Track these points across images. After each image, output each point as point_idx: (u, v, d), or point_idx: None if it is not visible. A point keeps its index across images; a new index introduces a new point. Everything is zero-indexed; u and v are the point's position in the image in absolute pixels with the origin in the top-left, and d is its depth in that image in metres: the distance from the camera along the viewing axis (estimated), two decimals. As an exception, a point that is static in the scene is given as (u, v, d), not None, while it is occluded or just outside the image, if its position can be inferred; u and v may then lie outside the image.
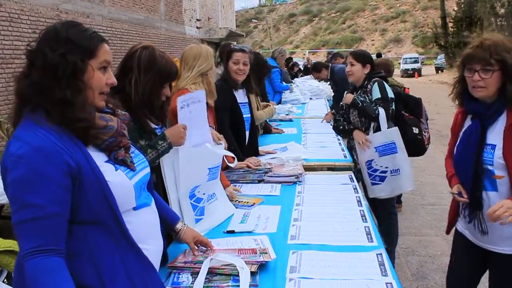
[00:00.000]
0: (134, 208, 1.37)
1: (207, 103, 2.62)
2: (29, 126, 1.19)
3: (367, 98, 3.32)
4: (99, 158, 1.28)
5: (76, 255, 1.23)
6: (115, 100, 1.47)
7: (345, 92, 3.56)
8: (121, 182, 1.30)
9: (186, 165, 1.95)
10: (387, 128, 3.21)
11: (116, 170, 1.31)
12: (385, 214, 3.42)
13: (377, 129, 3.20)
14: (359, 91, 3.43)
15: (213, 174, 2.13)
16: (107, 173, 1.27)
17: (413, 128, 3.27)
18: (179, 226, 1.73)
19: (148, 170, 1.49)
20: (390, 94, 3.27)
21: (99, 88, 1.30)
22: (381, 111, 3.15)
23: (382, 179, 3.10)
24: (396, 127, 3.11)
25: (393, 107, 3.26)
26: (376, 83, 3.30)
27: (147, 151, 1.82)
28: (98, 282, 1.23)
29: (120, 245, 1.28)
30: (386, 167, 3.11)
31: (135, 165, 1.39)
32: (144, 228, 1.39)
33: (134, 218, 1.36)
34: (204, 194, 2.10)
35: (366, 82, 3.36)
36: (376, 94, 3.27)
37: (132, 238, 1.31)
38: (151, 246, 1.41)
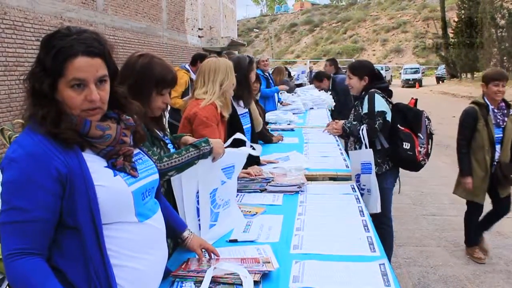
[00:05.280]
0: (139, 220, 1.36)
1: (222, 116, 2.65)
2: (29, 131, 1.25)
3: (360, 110, 3.38)
4: (98, 163, 1.30)
5: (71, 258, 1.26)
6: (133, 104, 1.47)
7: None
8: (118, 188, 1.30)
9: (204, 167, 1.95)
10: (377, 142, 3.31)
11: (114, 175, 1.31)
12: (375, 223, 3.42)
13: (371, 144, 3.29)
14: (357, 102, 3.50)
15: (226, 175, 2.13)
16: (103, 179, 1.28)
17: (404, 143, 3.24)
18: (186, 234, 1.75)
19: (155, 176, 1.49)
20: (380, 107, 3.28)
21: (75, 106, 1.27)
22: (364, 128, 3.23)
23: (361, 195, 3.12)
24: (371, 150, 3.14)
25: (388, 119, 3.28)
26: (367, 95, 3.34)
27: (189, 149, 1.85)
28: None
29: (91, 257, 1.25)
30: (364, 185, 3.14)
31: (138, 171, 1.39)
32: (147, 239, 1.39)
33: (137, 228, 1.36)
34: (221, 200, 2.10)
35: (363, 94, 3.42)
36: (365, 107, 3.32)
37: (106, 254, 1.26)
38: (153, 256, 1.40)
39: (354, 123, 3.38)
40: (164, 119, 2.07)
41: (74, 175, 1.23)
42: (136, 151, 1.47)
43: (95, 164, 1.28)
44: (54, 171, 1.21)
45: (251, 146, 2.42)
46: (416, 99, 3.52)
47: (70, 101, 1.26)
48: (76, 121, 1.27)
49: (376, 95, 3.32)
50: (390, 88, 3.57)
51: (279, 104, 7.18)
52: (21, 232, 1.19)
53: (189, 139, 2.13)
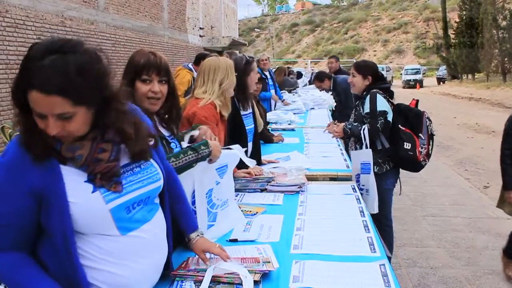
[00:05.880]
0: (121, 233, 1.32)
1: (222, 116, 2.64)
2: (16, 139, 1.25)
3: (361, 109, 3.38)
4: (77, 178, 1.26)
5: (50, 255, 1.29)
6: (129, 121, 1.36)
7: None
8: (93, 206, 1.25)
9: (200, 168, 1.94)
10: (378, 142, 3.30)
11: (93, 191, 1.26)
12: (375, 224, 3.42)
13: (372, 144, 3.29)
14: (357, 102, 3.50)
15: (219, 175, 2.12)
16: (79, 195, 1.24)
17: (405, 143, 3.24)
18: (193, 235, 1.69)
19: (155, 185, 1.43)
20: (382, 107, 3.28)
21: (43, 129, 1.18)
22: (365, 128, 3.23)
23: (361, 195, 3.09)
24: (370, 150, 3.14)
25: (389, 119, 3.28)
26: (368, 95, 3.34)
27: (188, 152, 1.85)
28: None
29: (62, 261, 1.26)
30: (363, 185, 3.12)
31: (128, 184, 1.34)
32: (130, 249, 1.34)
33: (118, 240, 1.32)
34: (218, 200, 2.10)
35: (364, 93, 3.43)
36: (366, 107, 3.33)
37: (77, 260, 1.25)
38: (139, 264, 1.36)
39: (355, 124, 3.39)
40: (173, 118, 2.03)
41: (48, 190, 1.22)
42: None
43: (72, 179, 1.25)
44: (28, 187, 1.21)
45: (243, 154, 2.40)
46: (417, 100, 3.50)
47: (39, 125, 1.19)
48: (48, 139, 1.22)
49: (378, 95, 3.32)
50: (391, 89, 3.55)
51: (281, 102, 7.19)
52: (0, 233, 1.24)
53: (206, 129, 2.14)
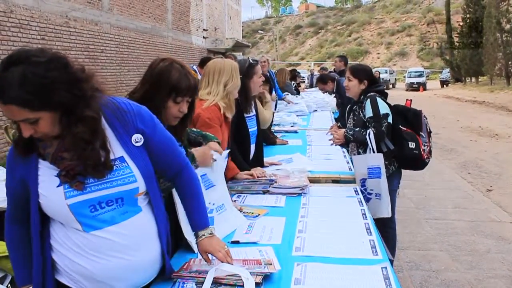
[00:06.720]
0: (84, 230, 1.38)
1: (226, 117, 2.63)
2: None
3: (361, 114, 3.36)
4: (49, 172, 1.38)
5: None
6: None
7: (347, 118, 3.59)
8: (54, 200, 1.37)
9: None
10: (383, 144, 3.28)
11: (58, 186, 1.36)
12: (379, 225, 3.41)
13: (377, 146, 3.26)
14: (355, 106, 3.48)
15: (206, 181, 2.12)
16: (46, 188, 1.37)
17: (410, 142, 3.26)
18: (199, 233, 1.68)
19: (128, 186, 1.42)
20: (383, 109, 3.28)
21: None
22: (371, 132, 3.21)
23: (368, 200, 3.06)
24: (381, 154, 3.13)
25: (389, 121, 3.28)
26: (368, 99, 3.33)
27: None
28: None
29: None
30: (371, 190, 3.11)
31: (88, 184, 1.36)
32: (95, 246, 1.39)
33: (82, 236, 1.39)
34: (212, 204, 2.10)
35: (362, 97, 3.42)
36: (368, 111, 3.31)
37: (47, 243, 1.45)
38: (105, 261, 1.40)
39: (357, 129, 3.36)
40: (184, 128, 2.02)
41: (28, 180, 1.39)
42: (118, 155, 1.42)
43: (46, 172, 1.38)
44: (17, 175, 1.42)
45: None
46: (411, 100, 3.53)
47: None
48: None
49: (377, 98, 3.32)
50: (392, 91, 3.56)
51: (283, 102, 7.20)
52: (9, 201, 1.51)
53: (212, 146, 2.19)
